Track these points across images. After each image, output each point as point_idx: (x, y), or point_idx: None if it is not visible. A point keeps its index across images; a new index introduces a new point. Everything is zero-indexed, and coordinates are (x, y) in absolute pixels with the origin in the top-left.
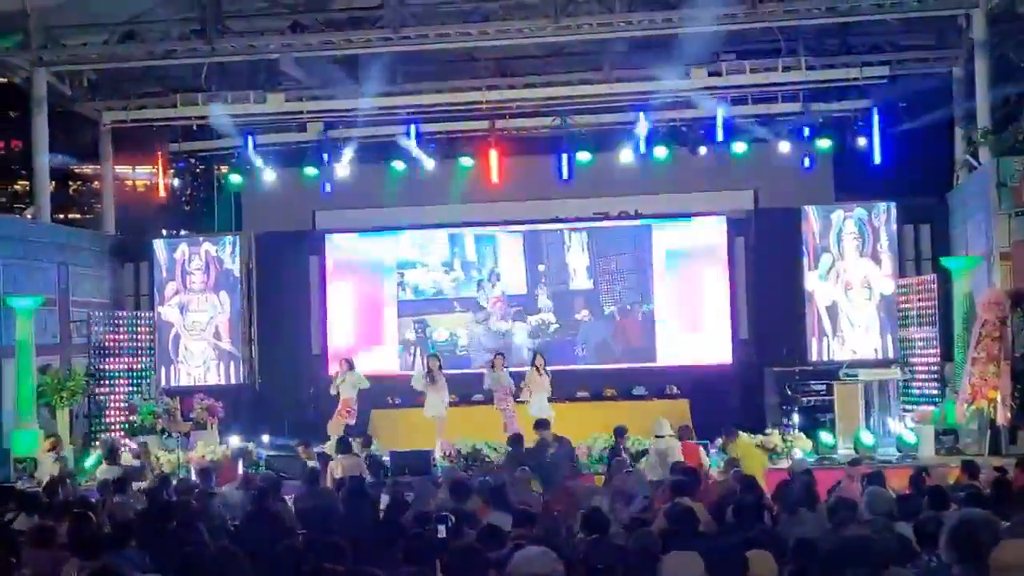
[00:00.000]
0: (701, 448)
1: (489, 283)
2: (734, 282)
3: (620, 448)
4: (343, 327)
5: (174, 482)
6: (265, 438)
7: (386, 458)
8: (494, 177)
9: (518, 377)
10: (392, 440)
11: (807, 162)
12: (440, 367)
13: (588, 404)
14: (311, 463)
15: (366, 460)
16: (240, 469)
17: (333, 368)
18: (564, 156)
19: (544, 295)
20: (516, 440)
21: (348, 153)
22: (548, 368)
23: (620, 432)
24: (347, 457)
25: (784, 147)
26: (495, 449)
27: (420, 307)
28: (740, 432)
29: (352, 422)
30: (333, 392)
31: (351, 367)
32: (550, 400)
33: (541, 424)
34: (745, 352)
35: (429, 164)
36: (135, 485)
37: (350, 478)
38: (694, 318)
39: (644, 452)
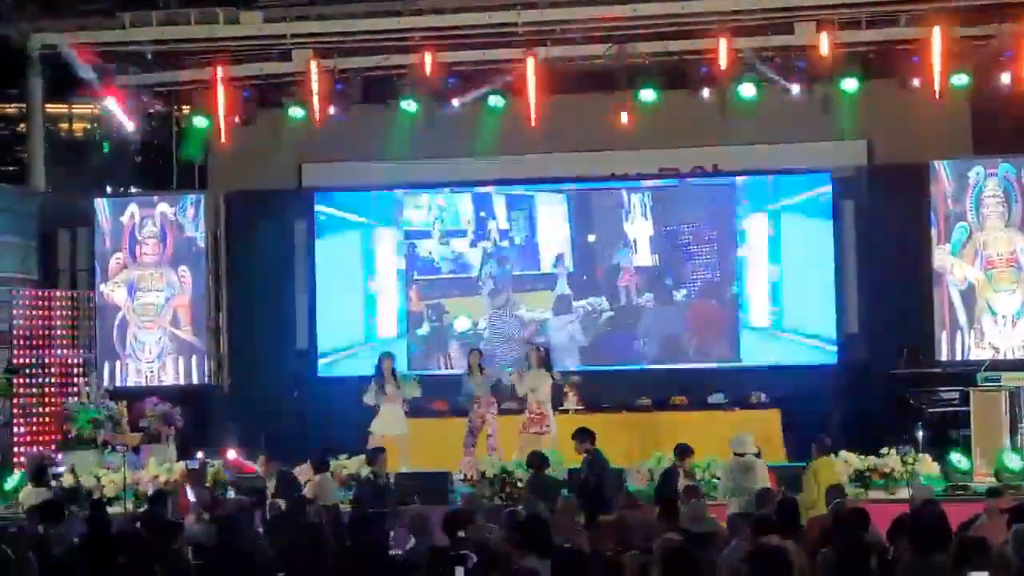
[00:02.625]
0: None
1: (517, 257)
2: (841, 259)
3: (675, 471)
4: (336, 313)
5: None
6: (232, 454)
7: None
8: (532, 122)
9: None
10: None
11: (935, 104)
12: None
13: (649, 415)
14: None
15: (366, 482)
16: (191, 495)
17: (324, 365)
18: (622, 95)
19: (595, 274)
20: (539, 462)
21: (344, 90)
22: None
23: (682, 452)
24: (322, 479)
25: (907, 85)
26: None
27: (436, 288)
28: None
29: None
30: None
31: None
32: (593, 409)
33: (581, 435)
34: (854, 349)
35: (449, 105)
36: (70, 511)
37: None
38: (789, 305)
39: (714, 477)
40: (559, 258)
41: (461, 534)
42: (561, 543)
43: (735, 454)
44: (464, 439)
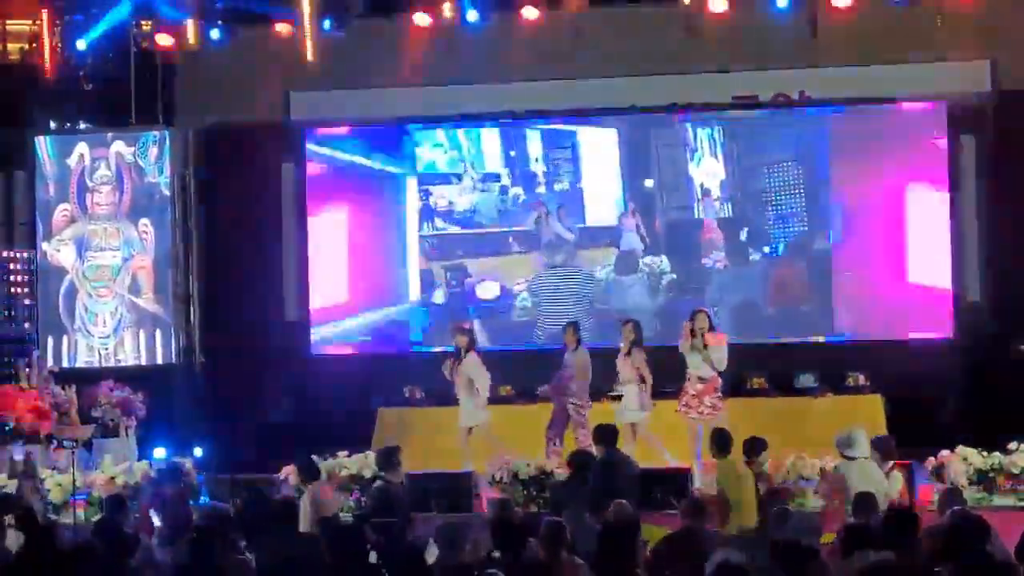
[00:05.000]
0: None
1: (561, 207)
2: (958, 209)
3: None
4: (333, 277)
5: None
6: (199, 451)
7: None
8: (574, 38)
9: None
10: (412, 455)
11: None
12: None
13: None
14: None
15: (375, 489)
16: (153, 517)
17: (319, 340)
18: (687, 5)
19: (653, 227)
20: (581, 462)
21: None
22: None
23: (756, 447)
24: (315, 489)
25: None
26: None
27: (454, 245)
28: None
29: None
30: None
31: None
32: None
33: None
34: (975, 321)
35: (472, 16)
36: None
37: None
38: (895, 266)
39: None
40: (608, 206)
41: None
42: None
43: (843, 456)
44: (549, 431)
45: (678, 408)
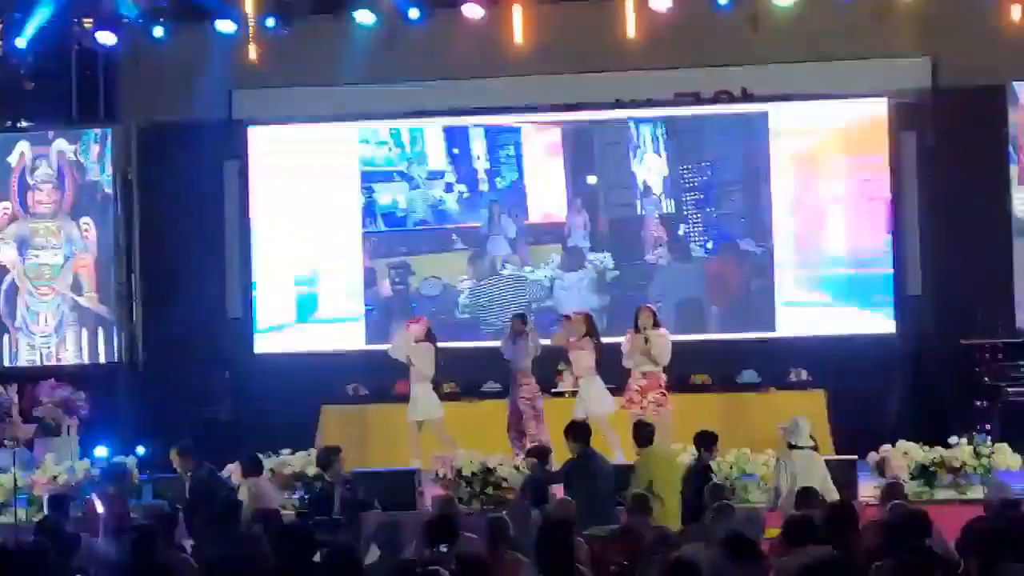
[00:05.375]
0: None
1: (505, 204)
2: (898, 204)
3: (706, 467)
4: (277, 275)
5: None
6: (142, 450)
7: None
8: (517, 36)
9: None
10: (354, 454)
11: (1017, 10)
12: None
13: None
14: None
15: (319, 488)
16: (98, 504)
17: (262, 340)
18: (630, 2)
19: (596, 224)
20: (540, 455)
21: None
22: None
23: (705, 442)
24: (256, 483)
25: None
26: (517, 469)
27: (398, 242)
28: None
29: None
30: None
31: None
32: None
33: (578, 432)
34: (916, 316)
35: (414, 14)
36: None
37: (262, 514)
38: (836, 262)
39: (746, 476)
40: (552, 204)
41: (443, 548)
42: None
43: (788, 445)
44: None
45: (622, 404)
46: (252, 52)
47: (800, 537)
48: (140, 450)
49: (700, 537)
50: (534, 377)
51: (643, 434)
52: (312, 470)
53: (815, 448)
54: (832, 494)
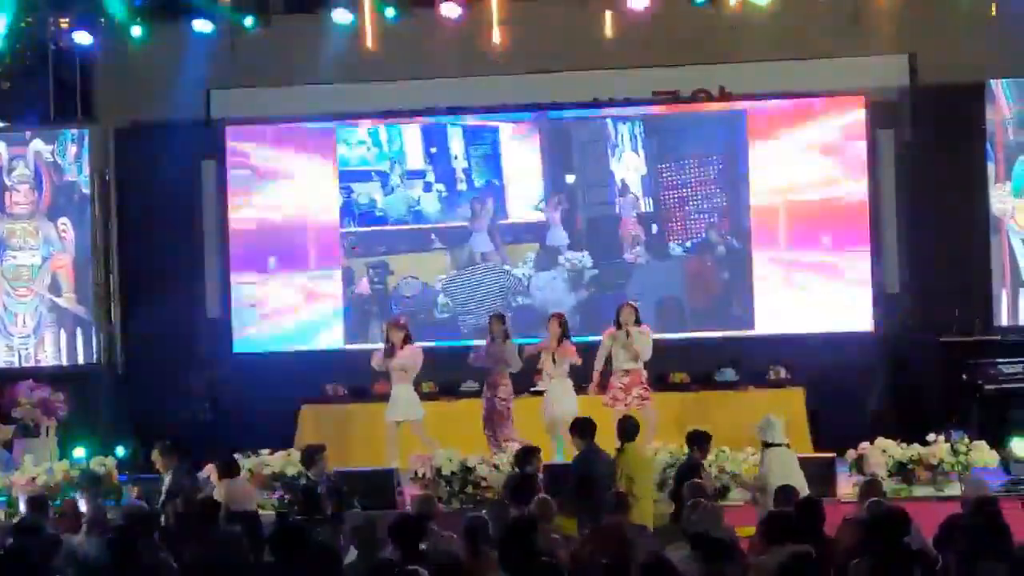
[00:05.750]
0: None
1: (486, 202)
2: (877, 202)
3: (696, 465)
4: (255, 275)
5: None
6: (121, 451)
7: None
8: (495, 35)
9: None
10: (334, 453)
11: (994, 9)
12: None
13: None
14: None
15: (302, 486)
16: (81, 504)
17: (241, 338)
18: (608, 0)
19: (575, 223)
20: (526, 456)
21: None
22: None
23: (697, 440)
24: (232, 484)
25: None
26: (496, 468)
27: (376, 242)
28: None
29: None
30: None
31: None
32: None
33: (581, 428)
34: (895, 314)
35: (391, 12)
36: None
37: (241, 515)
38: (815, 260)
39: (731, 475)
40: (530, 202)
41: (423, 546)
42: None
43: (764, 444)
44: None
45: (605, 402)
46: (229, 53)
47: (779, 535)
48: (119, 451)
49: (678, 536)
50: (510, 378)
51: (628, 428)
52: (292, 470)
53: (788, 445)
54: (803, 491)
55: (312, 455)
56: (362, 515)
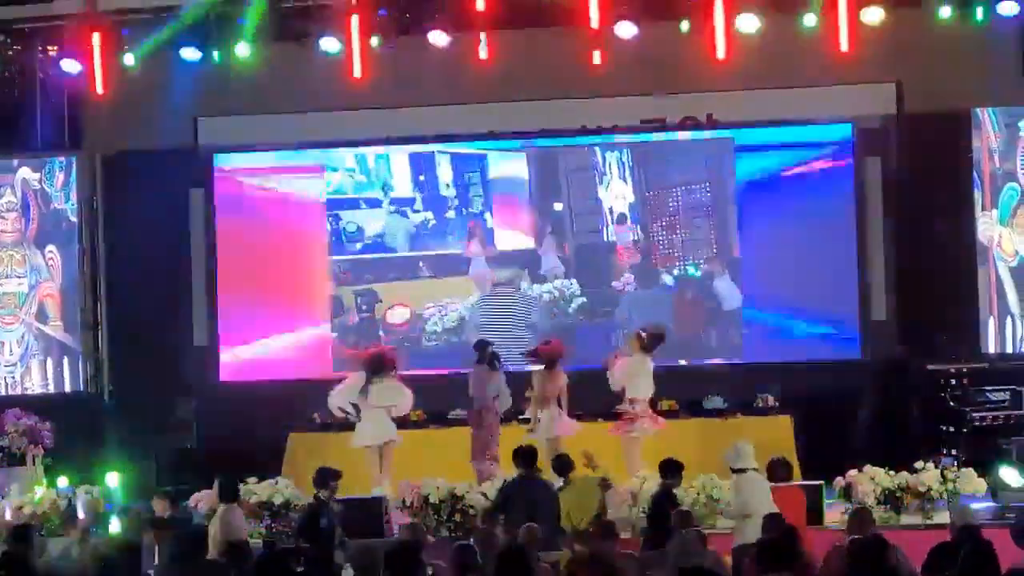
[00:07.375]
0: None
1: (475, 231)
2: (864, 230)
3: (670, 494)
4: (243, 303)
5: None
6: (114, 477)
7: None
8: (483, 63)
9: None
10: None
11: (981, 37)
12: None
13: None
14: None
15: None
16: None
17: (228, 366)
18: (595, 27)
19: (563, 250)
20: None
21: (251, 24)
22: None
23: (670, 470)
24: (231, 509)
25: (944, 13)
26: (485, 496)
27: (364, 270)
28: None
29: None
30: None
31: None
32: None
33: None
34: (881, 341)
35: (378, 41)
36: None
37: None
38: (802, 288)
39: (713, 501)
40: (519, 230)
41: None
42: None
43: (732, 470)
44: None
45: (610, 430)
46: (216, 81)
47: (773, 562)
48: (107, 480)
49: (663, 563)
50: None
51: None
52: (279, 498)
53: (757, 469)
54: None
55: (327, 478)
56: (361, 542)
